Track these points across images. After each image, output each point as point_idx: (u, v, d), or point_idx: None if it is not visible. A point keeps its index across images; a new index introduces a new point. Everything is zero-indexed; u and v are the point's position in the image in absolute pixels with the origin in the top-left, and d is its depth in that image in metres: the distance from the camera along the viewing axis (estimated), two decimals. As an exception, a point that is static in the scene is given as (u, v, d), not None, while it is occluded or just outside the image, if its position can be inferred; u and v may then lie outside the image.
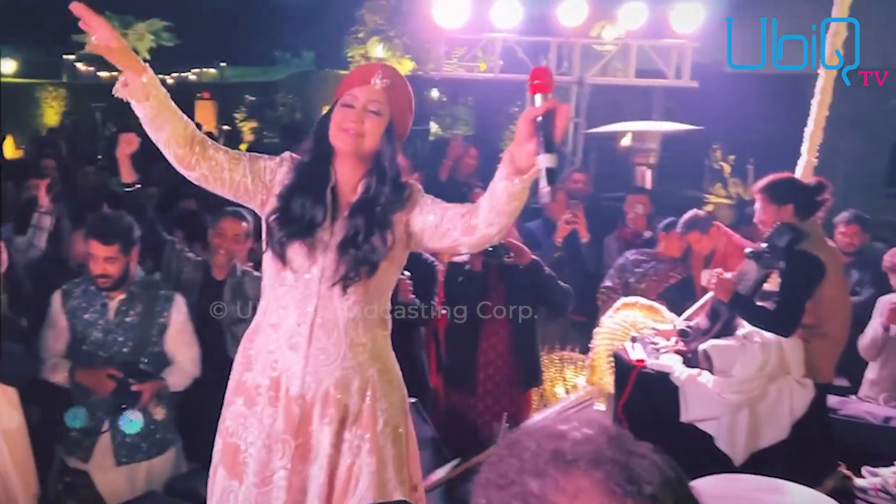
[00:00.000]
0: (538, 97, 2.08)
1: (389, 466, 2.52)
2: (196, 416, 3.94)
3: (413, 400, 4.29)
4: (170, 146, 2.37)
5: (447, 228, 2.42)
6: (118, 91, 2.31)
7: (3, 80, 26.78)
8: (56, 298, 3.81)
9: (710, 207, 9.93)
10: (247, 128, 23.45)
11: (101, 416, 3.68)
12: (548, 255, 5.67)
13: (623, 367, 4.48)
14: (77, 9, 2.23)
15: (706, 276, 4.46)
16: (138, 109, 2.33)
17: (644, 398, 4.34)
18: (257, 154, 2.57)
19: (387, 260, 2.48)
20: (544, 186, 2.06)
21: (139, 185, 4.39)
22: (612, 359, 4.72)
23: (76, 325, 3.76)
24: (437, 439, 4.28)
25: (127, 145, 4.27)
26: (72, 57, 31.19)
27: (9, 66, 28.48)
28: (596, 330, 5.18)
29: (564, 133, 2.13)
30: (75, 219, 6.07)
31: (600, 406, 5.00)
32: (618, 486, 0.99)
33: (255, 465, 2.51)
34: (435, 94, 20.10)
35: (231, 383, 2.63)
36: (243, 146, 17.46)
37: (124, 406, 3.61)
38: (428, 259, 4.70)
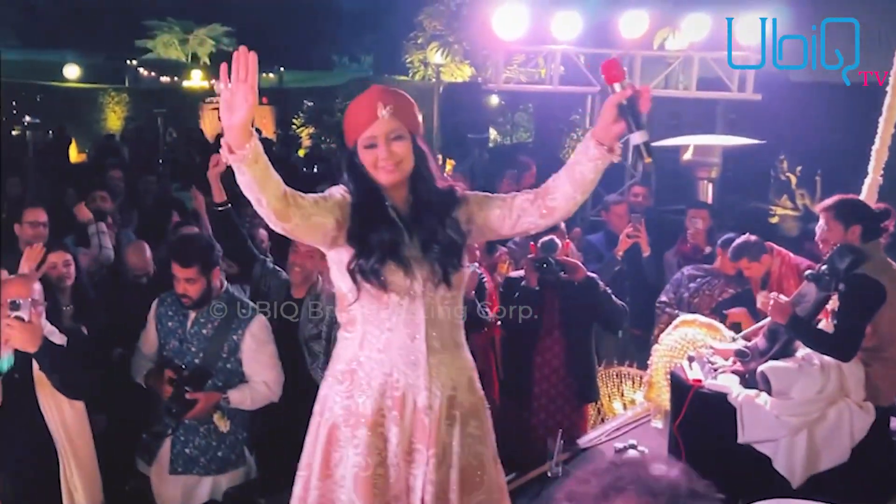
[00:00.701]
0: (616, 86, 2.31)
1: (490, 450, 2.77)
2: (270, 433, 4.16)
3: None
4: (270, 203, 2.40)
5: (518, 215, 2.61)
6: (226, 159, 2.32)
7: (68, 85, 27.68)
8: (154, 304, 4.05)
9: (775, 219, 9.92)
10: (304, 133, 23.80)
11: (167, 420, 3.87)
12: (608, 268, 5.76)
13: (680, 387, 4.55)
14: (244, 56, 2.28)
15: (761, 299, 4.52)
16: (244, 173, 2.33)
17: (701, 418, 4.40)
18: (327, 193, 2.65)
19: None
20: (640, 161, 2.33)
21: (230, 205, 4.47)
22: (669, 376, 4.79)
23: (161, 331, 3.98)
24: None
25: (216, 165, 4.36)
26: (134, 62, 32.16)
27: (73, 71, 29.44)
28: (654, 347, 5.25)
29: (649, 111, 2.33)
30: (137, 229, 6.33)
31: (657, 423, 5.07)
32: None
33: (384, 483, 2.64)
34: (494, 101, 20.28)
35: (348, 420, 2.67)
36: (301, 151, 17.79)
37: (175, 411, 3.76)
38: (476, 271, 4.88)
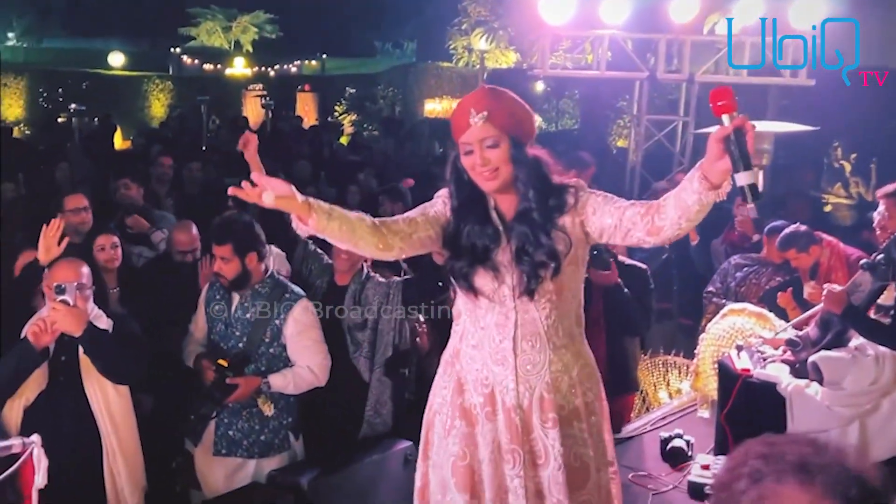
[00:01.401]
0: (725, 117, 2.20)
1: (595, 453, 2.77)
2: (314, 418, 4.21)
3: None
4: (368, 245, 2.52)
5: (628, 228, 2.54)
6: (301, 230, 2.44)
7: (113, 72, 28.11)
8: (205, 289, 4.14)
9: (829, 208, 9.76)
10: (347, 120, 23.92)
11: (211, 404, 3.91)
12: (655, 256, 5.74)
13: (727, 376, 4.52)
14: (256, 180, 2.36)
15: (808, 290, 4.47)
16: (331, 230, 2.43)
17: (749, 408, 4.38)
18: (425, 205, 2.74)
19: (570, 262, 2.64)
20: (749, 204, 2.25)
21: None
22: (717, 365, 4.77)
23: (209, 314, 4.06)
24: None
25: (246, 145, 4.28)
26: (178, 50, 32.54)
27: (118, 59, 29.89)
28: (702, 336, 5.23)
29: (754, 150, 2.21)
30: (181, 216, 6.42)
31: (704, 413, 5.06)
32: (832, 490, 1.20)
33: (487, 480, 2.70)
34: (540, 87, 20.19)
35: (441, 408, 2.81)
36: (344, 139, 17.86)
37: (217, 395, 3.83)
38: None
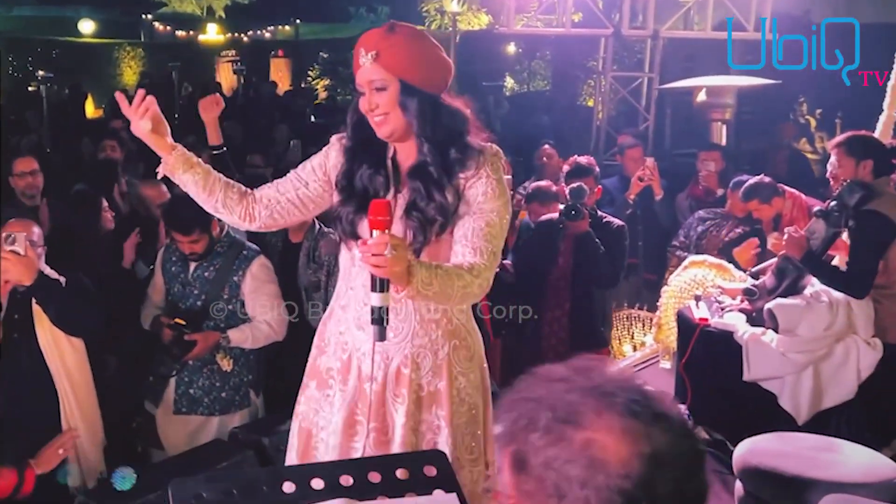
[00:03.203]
0: (376, 233, 2.09)
1: (462, 447, 2.52)
2: (275, 377, 4.20)
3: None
4: (226, 207, 2.49)
5: (457, 244, 2.40)
6: (163, 173, 2.47)
7: (83, 40, 27.66)
8: (161, 252, 4.11)
9: (794, 162, 9.79)
10: (320, 85, 23.69)
11: (171, 363, 3.92)
12: (620, 212, 5.74)
13: (686, 326, 4.55)
14: (119, 98, 2.45)
15: (772, 241, 4.49)
16: (186, 183, 2.46)
17: (707, 357, 4.41)
18: (306, 161, 2.62)
19: (453, 227, 2.42)
20: (377, 327, 2.17)
21: (225, 148, 4.35)
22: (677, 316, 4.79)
23: (166, 277, 4.03)
24: (497, 396, 4.44)
25: (211, 107, 4.15)
26: (149, 17, 32.03)
27: (88, 26, 29.37)
28: (664, 288, 5.25)
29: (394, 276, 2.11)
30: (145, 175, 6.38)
31: (665, 364, 5.10)
32: (638, 411, 1.10)
33: (325, 448, 2.54)
34: (511, 49, 20.06)
35: (307, 368, 2.68)
36: (318, 104, 17.72)
37: (175, 352, 3.81)
38: None
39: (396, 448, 2.46)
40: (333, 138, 2.60)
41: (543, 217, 5.07)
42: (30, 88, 18.63)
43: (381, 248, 2.04)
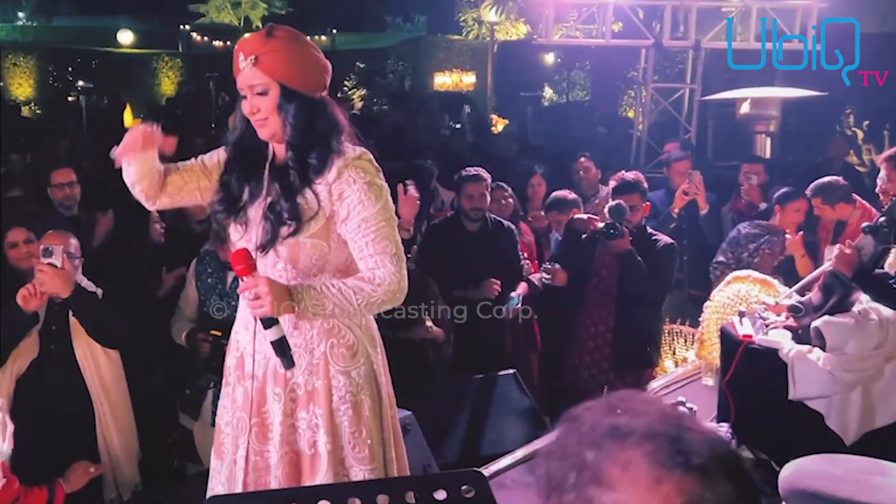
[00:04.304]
0: (246, 279, 2.31)
1: (346, 444, 2.54)
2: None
3: (511, 371, 4.47)
4: (141, 190, 2.59)
5: (357, 258, 2.48)
6: (118, 158, 2.58)
7: (122, 51, 28.09)
8: (192, 264, 4.13)
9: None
10: (356, 95, 23.84)
11: (208, 375, 3.93)
12: (664, 226, 5.69)
13: (730, 342, 4.48)
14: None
15: (829, 253, 4.42)
16: (131, 164, 2.56)
17: (751, 374, 4.33)
18: (211, 152, 2.68)
19: (315, 234, 2.46)
20: (282, 357, 2.36)
21: None
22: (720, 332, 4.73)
23: (201, 288, 4.05)
24: (535, 409, 4.42)
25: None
26: (187, 27, 32.45)
27: (127, 37, 29.85)
28: (706, 303, 5.19)
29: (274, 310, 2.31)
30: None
31: (708, 380, 5.01)
32: (667, 458, 1.05)
33: (229, 444, 2.63)
34: (550, 59, 20.06)
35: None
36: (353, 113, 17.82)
37: (215, 364, 3.79)
38: (507, 225, 4.92)
39: (276, 444, 2.53)
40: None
41: (574, 218, 5.08)
42: (70, 98, 18.96)
43: (251, 292, 2.26)
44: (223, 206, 2.56)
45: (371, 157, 2.53)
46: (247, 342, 2.58)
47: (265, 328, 2.31)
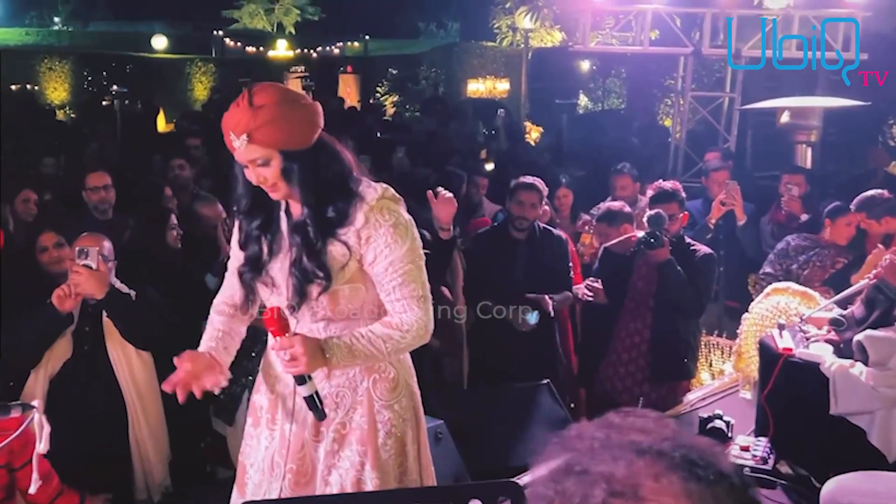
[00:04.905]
0: (280, 339, 2.34)
1: (392, 480, 2.57)
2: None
3: (544, 381, 4.46)
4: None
5: (384, 300, 2.52)
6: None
7: (156, 55, 28.42)
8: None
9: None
10: (388, 101, 23.92)
11: (244, 380, 3.95)
12: (700, 236, 5.65)
13: (769, 355, 4.43)
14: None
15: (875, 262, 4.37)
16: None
17: (791, 388, 4.28)
18: (231, 252, 2.74)
19: (351, 280, 2.48)
20: (314, 411, 2.40)
21: None
22: (759, 345, 4.68)
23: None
24: (569, 420, 4.39)
25: None
26: (220, 33, 32.77)
27: (161, 42, 30.19)
28: (744, 315, 5.14)
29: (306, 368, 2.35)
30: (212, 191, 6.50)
31: (746, 394, 4.96)
32: (696, 473, 1.04)
33: (252, 486, 2.62)
34: (585, 66, 20.02)
35: (249, 407, 2.80)
36: (385, 120, 17.89)
37: (250, 367, 3.83)
38: (557, 234, 4.87)
39: (317, 487, 2.55)
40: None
41: (608, 245, 5.04)
42: (104, 103, 19.19)
43: (287, 353, 2.29)
44: (247, 266, 2.59)
45: (392, 191, 2.55)
46: (285, 384, 2.60)
47: (298, 384, 2.36)
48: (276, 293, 2.54)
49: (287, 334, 2.32)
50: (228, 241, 4.44)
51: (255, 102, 2.38)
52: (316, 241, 2.44)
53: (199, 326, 4.13)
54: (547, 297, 4.84)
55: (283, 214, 2.57)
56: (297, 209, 2.53)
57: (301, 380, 2.33)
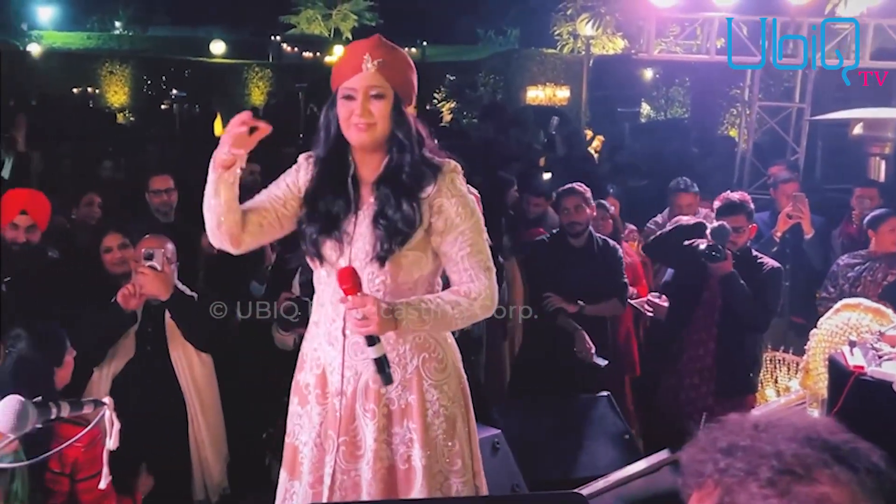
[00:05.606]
0: (350, 298, 2.32)
1: (442, 459, 2.60)
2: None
3: (605, 393, 4.45)
4: (224, 236, 2.53)
5: (450, 271, 2.55)
6: (212, 175, 2.46)
7: (214, 60, 28.93)
8: (298, 272, 4.24)
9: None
10: (446, 108, 24.01)
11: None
12: (765, 249, 5.58)
13: (839, 373, 4.36)
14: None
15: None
16: (223, 192, 2.44)
17: (862, 407, 4.21)
18: (279, 179, 2.66)
19: (415, 247, 2.51)
20: (381, 374, 2.36)
21: None
22: (828, 362, 4.61)
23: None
24: (629, 434, 4.38)
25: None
26: (278, 38, 33.23)
27: (219, 47, 30.74)
28: (812, 331, 5.07)
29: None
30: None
31: (813, 411, 4.89)
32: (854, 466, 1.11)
33: (308, 464, 2.63)
34: (648, 74, 19.89)
35: (292, 385, 2.78)
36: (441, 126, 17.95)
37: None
38: (612, 245, 4.91)
39: (368, 462, 2.56)
40: (301, 157, 2.68)
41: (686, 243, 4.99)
42: (163, 106, 19.61)
43: (359, 311, 2.28)
44: (318, 224, 2.56)
45: (459, 167, 2.61)
46: (332, 357, 2.60)
47: (368, 345, 2.34)
48: (344, 255, 2.54)
49: (359, 293, 2.32)
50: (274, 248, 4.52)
51: (389, 42, 2.53)
52: (409, 191, 2.49)
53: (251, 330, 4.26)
54: (576, 302, 4.85)
55: (349, 180, 2.58)
56: (372, 166, 2.56)
57: (371, 340, 2.33)
